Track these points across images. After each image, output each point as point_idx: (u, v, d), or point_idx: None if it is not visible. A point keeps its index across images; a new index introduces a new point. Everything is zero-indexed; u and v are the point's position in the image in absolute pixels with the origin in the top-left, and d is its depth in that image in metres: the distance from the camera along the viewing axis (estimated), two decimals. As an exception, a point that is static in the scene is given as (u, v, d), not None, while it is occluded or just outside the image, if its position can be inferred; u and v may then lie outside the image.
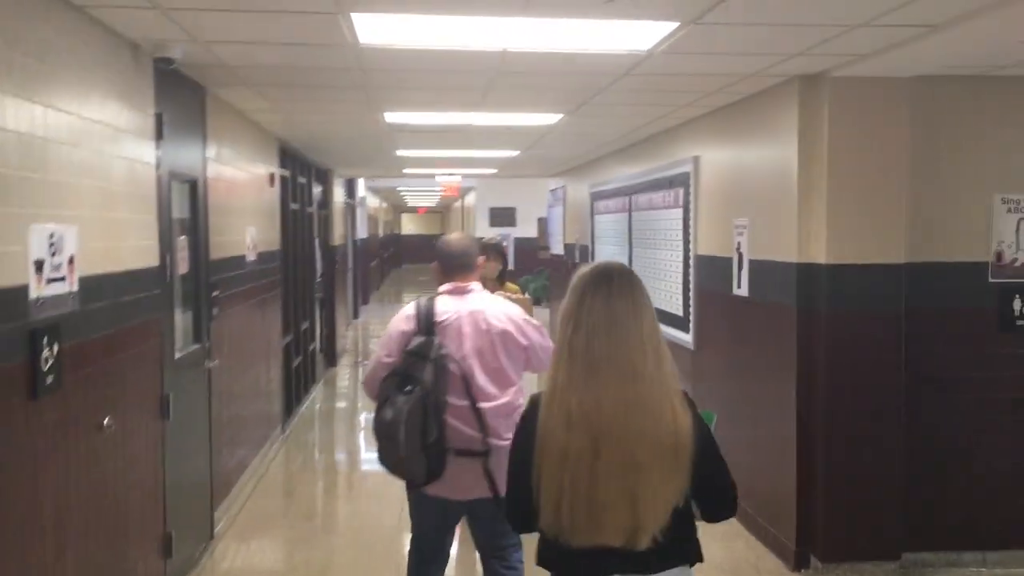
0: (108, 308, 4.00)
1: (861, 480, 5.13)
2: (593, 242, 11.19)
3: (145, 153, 4.60)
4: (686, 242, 7.26)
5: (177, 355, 5.09)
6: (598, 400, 2.26)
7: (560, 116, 7.04)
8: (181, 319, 5.33)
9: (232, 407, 6.51)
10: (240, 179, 6.92)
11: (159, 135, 4.76)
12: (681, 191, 7.38)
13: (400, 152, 10.22)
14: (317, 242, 11.75)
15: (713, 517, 2.45)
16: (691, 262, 7.15)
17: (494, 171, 13.52)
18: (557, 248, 14.30)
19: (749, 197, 5.95)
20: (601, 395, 2.26)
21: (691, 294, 7.16)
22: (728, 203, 6.34)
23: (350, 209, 16.80)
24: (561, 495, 2.26)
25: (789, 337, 5.29)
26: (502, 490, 3.07)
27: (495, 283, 6.39)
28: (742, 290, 6.04)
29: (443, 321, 3.72)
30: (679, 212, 7.43)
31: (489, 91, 5.78)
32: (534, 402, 2.42)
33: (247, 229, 7.08)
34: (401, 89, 5.73)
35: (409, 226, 48.17)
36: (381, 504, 6.50)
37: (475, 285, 3.89)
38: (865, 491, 5.13)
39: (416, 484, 3.74)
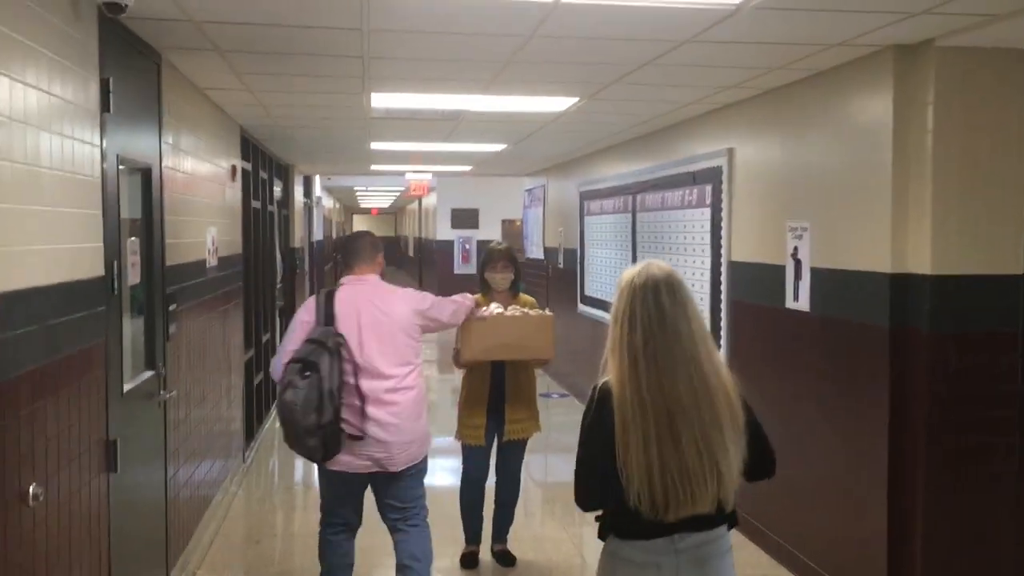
0: (35, 335, 2.95)
1: (971, 534, 4.26)
2: (583, 245, 10.26)
3: (87, 130, 3.55)
4: (715, 246, 6.36)
5: (126, 387, 4.03)
6: (663, 389, 2.51)
7: (574, 101, 6.09)
8: (131, 340, 4.28)
9: (191, 442, 5.44)
10: (201, 171, 5.85)
11: (105, 106, 3.71)
12: (708, 188, 6.47)
13: (375, 145, 9.19)
14: (278, 244, 10.66)
15: (758, 477, 2.72)
16: (722, 269, 6.24)
17: (468, 168, 12.53)
18: (535, 252, 13.34)
19: (811, 194, 5.05)
20: (666, 384, 2.52)
21: (722, 306, 6.25)
22: (778, 202, 5.44)
23: (307, 209, 15.68)
24: (652, 475, 2.49)
25: (877, 362, 4.40)
26: (396, 466, 4.14)
27: (508, 295, 5.42)
28: (800, 303, 5.14)
29: (341, 311, 4.11)
30: (705, 212, 6.52)
31: (509, 65, 4.81)
32: (602, 393, 2.60)
33: (208, 230, 6.01)
34: (406, 60, 4.72)
35: (361, 227, 46.91)
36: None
37: (372, 277, 4.30)
38: (976, 548, 4.26)
39: (314, 461, 4.10)
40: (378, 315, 4.15)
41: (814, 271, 5.00)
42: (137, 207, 4.49)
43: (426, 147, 9.46)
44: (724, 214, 6.20)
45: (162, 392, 4.61)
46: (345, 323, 4.10)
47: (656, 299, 2.56)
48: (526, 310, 5.10)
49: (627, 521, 2.59)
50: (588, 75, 5.19)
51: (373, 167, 12.31)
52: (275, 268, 10.32)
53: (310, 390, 3.92)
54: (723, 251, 6.23)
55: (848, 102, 4.66)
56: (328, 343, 4.00)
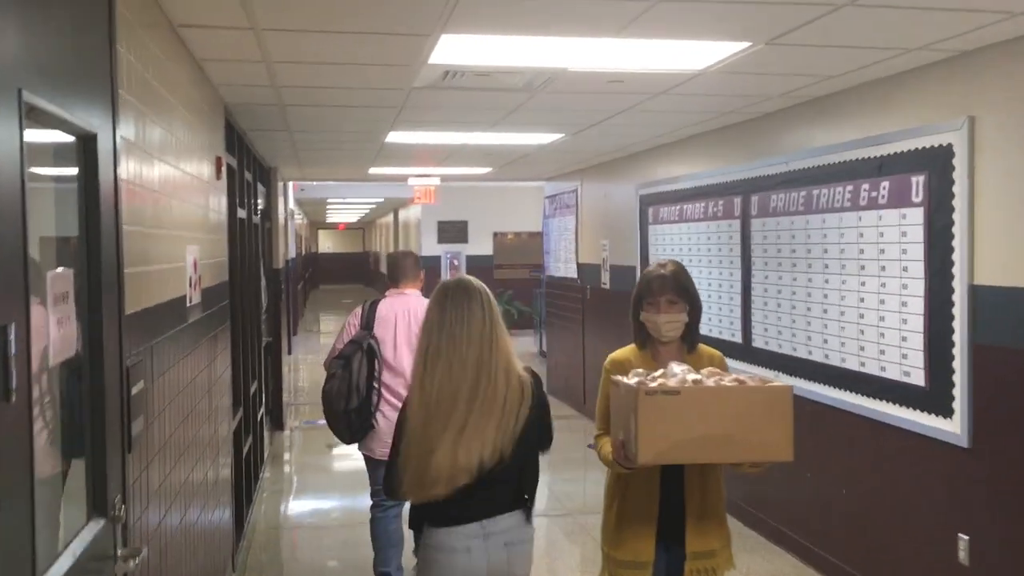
0: None
1: None
2: (646, 262, 8.22)
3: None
4: (936, 263, 4.35)
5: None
6: (435, 386, 2.88)
7: (742, 47, 4.06)
8: (62, 472, 2.17)
9: (168, 598, 3.30)
10: (178, 159, 3.74)
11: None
12: (918, 180, 4.47)
13: (392, 136, 7.09)
14: (262, 265, 8.51)
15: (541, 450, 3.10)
16: (954, 297, 4.24)
17: (487, 170, 10.45)
18: (562, 270, 11.28)
19: None
20: (438, 382, 2.88)
21: (956, 351, 4.24)
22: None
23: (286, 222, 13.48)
24: (410, 460, 2.92)
25: None
26: None
27: (679, 349, 3.37)
28: None
29: (381, 317, 4.87)
30: (911, 214, 4.52)
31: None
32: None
33: (188, 250, 3.89)
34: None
35: (326, 243, 44.52)
36: None
37: (413, 291, 5.02)
38: None
39: (344, 441, 4.87)
40: (412, 324, 4.73)
41: None
42: (67, 216, 2.38)
43: (457, 138, 7.37)
44: (960, 215, 4.19)
45: (119, 552, 2.47)
46: (382, 329, 4.81)
47: (440, 307, 2.95)
48: (743, 378, 3.04)
49: (436, 510, 2.89)
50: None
51: (372, 170, 10.19)
52: (260, 297, 8.17)
53: (342, 382, 4.67)
54: (956, 271, 4.21)
55: None
56: (363, 344, 4.73)
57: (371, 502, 5.02)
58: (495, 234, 20.46)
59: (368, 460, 4.93)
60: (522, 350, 7.29)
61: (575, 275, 10.65)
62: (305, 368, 15.33)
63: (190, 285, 3.88)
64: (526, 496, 3.00)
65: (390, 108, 5.69)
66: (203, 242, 4.33)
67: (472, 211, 20.01)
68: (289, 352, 15.45)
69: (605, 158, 9.18)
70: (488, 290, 3.00)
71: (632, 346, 3.42)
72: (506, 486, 2.92)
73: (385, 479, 3.02)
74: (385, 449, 4.72)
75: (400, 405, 4.61)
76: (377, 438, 4.74)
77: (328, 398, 4.72)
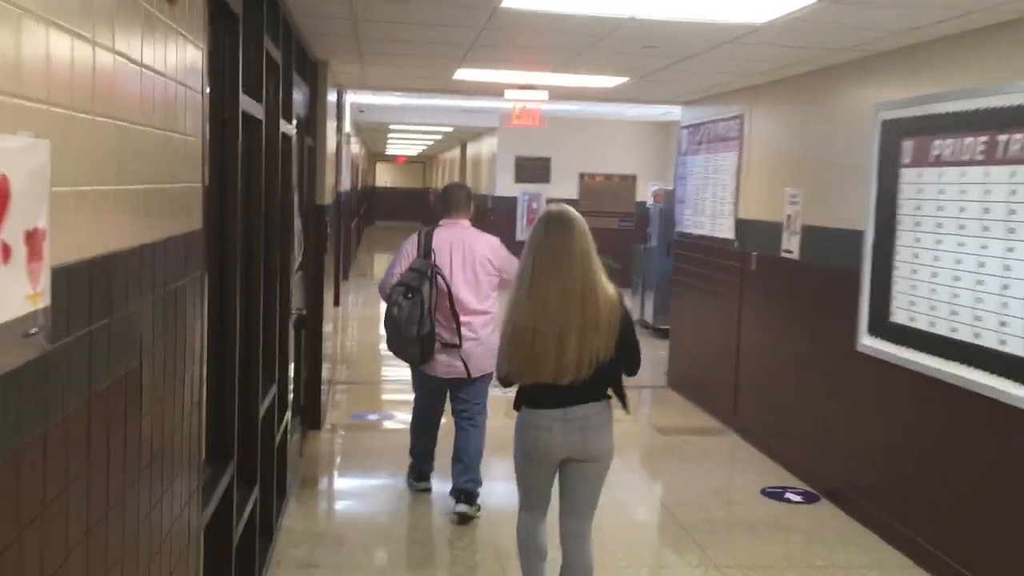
0: None
1: None
2: (893, 225, 5.22)
3: None
4: None
5: None
6: (540, 297, 3.48)
7: None
8: None
9: None
10: None
11: None
12: None
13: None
14: (297, 199, 5.66)
15: (626, 373, 3.75)
16: None
17: (621, 82, 7.40)
18: (705, 224, 8.26)
19: None
20: (542, 294, 3.47)
21: None
22: None
23: (340, 144, 10.51)
24: (520, 355, 3.58)
25: None
26: (472, 372, 5.21)
27: None
28: None
29: (438, 246, 5.16)
30: None
31: None
32: None
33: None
34: None
35: (384, 177, 41.66)
36: None
37: (465, 222, 5.32)
38: None
39: (412, 364, 5.27)
40: (465, 252, 5.16)
41: None
42: None
43: (600, 9, 4.40)
44: None
45: None
46: (440, 256, 5.13)
47: (545, 230, 3.50)
48: None
49: (533, 395, 3.58)
50: None
51: (460, 73, 7.24)
52: (292, 243, 5.34)
53: (412, 308, 5.00)
54: None
55: None
56: (427, 272, 5.05)
57: (413, 418, 5.64)
58: (581, 175, 17.50)
59: (429, 379, 5.29)
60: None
61: (730, 235, 7.65)
62: (356, 325, 12.60)
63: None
64: (608, 391, 3.64)
65: None
66: (72, 121, 1.48)
67: (556, 147, 17.07)
68: (336, 303, 12.61)
69: (813, 64, 6.13)
70: (583, 219, 3.57)
71: None
72: (589, 382, 3.51)
73: (498, 371, 3.73)
74: (450, 367, 5.19)
75: (453, 328, 5.10)
76: (447, 358, 5.18)
77: (397, 324, 5.05)
